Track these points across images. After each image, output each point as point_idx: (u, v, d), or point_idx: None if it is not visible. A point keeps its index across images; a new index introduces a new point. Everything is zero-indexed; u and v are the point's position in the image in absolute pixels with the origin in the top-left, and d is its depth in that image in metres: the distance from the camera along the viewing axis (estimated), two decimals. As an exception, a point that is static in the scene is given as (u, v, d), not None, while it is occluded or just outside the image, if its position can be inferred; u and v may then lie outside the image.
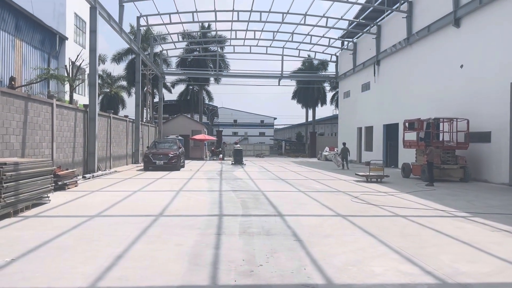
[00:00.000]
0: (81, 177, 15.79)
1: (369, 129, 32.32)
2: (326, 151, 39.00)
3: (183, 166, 24.53)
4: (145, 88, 38.62)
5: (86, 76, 28.11)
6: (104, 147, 20.16)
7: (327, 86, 55.61)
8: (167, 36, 38.52)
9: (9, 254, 5.47)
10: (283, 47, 38.54)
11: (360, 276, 4.82)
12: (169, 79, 48.29)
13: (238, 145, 34.53)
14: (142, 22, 30.30)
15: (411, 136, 20.21)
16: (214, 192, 12.83)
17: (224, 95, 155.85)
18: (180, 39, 39.03)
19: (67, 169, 13.96)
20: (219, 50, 45.75)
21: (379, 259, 5.55)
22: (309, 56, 44.93)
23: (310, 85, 54.14)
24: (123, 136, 24.14)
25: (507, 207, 10.56)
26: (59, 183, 12.01)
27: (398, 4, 26.37)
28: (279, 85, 43.01)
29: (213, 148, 41.45)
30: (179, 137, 32.57)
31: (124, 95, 47.82)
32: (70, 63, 21.98)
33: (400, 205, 10.50)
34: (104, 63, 43.92)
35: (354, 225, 7.84)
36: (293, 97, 59.11)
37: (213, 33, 42.41)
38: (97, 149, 17.83)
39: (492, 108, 17.36)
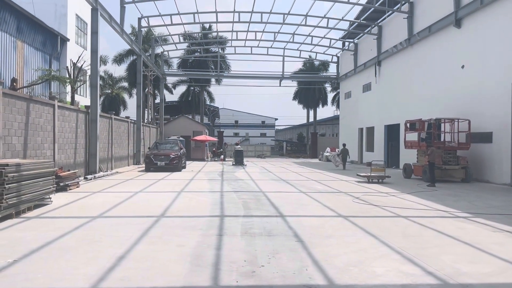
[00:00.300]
0: (82, 178, 15.82)
1: (370, 130, 32.31)
2: (327, 152, 38.97)
3: (184, 167, 24.55)
4: (147, 89, 38.68)
5: (87, 77, 28.13)
6: (105, 148, 20.20)
7: (328, 87, 55.66)
8: (168, 37, 38.62)
9: (12, 255, 5.49)
10: (284, 48, 38.55)
11: (361, 277, 4.82)
12: (170, 80, 48.40)
13: (239, 146, 34.55)
14: (143, 23, 30.37)
15: (413, 136, 20.20)
16: (215, 193, 12.84)
17: (225, 96, 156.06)
18: (181, 40, 39.08)
19: (68, 170, 13.98)
20: (220, 51, 45.82)
21: (380, 259, 5.55)
22: (310, 56, 44.97)
23: (311, 85, 54.17)
24: (124, 137, 24.17)
25: (508, 207, 10.54)
26: (61, 184, 12.03)
27: (399, 5, 26.36)
28: (280, 85, 43.10)
29: (214, 149, 41.47)
30: (181, 138, 32.63)
31: (126, 96, 47.90)
32: (72, 65, 22.06)
33: (401, 205, 10.49)
34: (105, 64, 44.00)
35: (356, 225, 7.84)
36: (294, 98, 59.15)
37: (214, 34, 42.47)
38: (98, 150, 17.86)
39: (493, 108, 17.34)
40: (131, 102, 49.44)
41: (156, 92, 45.03)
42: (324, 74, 52.18)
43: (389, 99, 28.49)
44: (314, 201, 11.17)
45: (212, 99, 56.26)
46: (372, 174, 16.93)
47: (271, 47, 38.07)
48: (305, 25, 31.08)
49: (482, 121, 17.99)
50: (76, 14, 29.48)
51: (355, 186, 15.30)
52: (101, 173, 17.87)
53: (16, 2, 20.84)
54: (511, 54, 16.41)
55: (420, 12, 24.23)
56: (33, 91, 21.08)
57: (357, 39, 35.58)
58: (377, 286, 4.55)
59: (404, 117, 23.08)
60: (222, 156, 37.45)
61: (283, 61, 40.27)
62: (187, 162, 28.55)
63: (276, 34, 34.41)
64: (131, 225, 7.57)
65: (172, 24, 30.94)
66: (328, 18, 29.91)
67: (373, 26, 31.05)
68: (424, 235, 7.19)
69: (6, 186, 7.69)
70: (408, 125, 20.04)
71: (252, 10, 28.46)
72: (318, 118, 61.61)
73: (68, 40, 27.34)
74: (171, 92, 52.81)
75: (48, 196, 9.87)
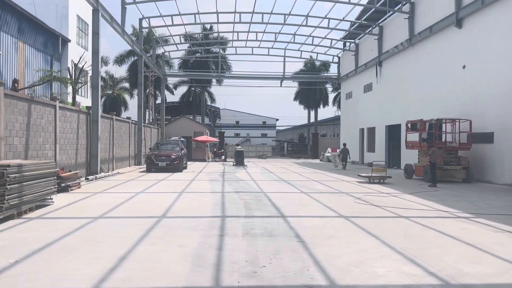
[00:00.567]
0: (84, 178, 15.83)
1: (372, 130, 32.29)
2: (329, 152, 38.97)
3: (185, 168, 24.56)
4: (148, 90, 38.72)
5: (88, 78, 28.18)
6: (106, 149, 20.22)
7: (329, 87, 55.64)
8: (169, 37, 38.69)
9: (13, 255, 5.50)
10: (285, 49, 38.55)
11: (363, 277, 4.82)
12: (171, 80, 48.43)
13: (240, 147, 34.58)
14: (144, 24, 30.39)
15: (414, 137, 20.18)
16: (216, 193, 12.84)
17: (226, 96, 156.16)
18: (182, 41, 39.12)
19: (70, 171, 14.00)
20: (221, 52, 45.85)
21: (382, 260, 5.55)
22: (311, 57, 44.96)
23: (312, 86, 54.18)
24: (125, 137, 24.19)
25: (510, 208, 10.52)
26: (62, 185, 12.04)
27: (400, 5, 26.33)
28: (281, 86, 43.04)
29: (215, 150, 41.48)
30: (182, 139, 32.62)
31: (127, 96, 47.94)
32: (73, 65, 22.05)
33: (402, 206, 10.49)
34: (106, 65, 44.04)
35: (357, 226, 7.84)
36: (295, 98, 59.19)
37: (215, 34, 42.50)
38: (99, 151, 17.87)
39: (494, 108, 17.32)
40: (132, 103, 49.66)
41: (157, 92, 45.08)
42: (325, 74, 52.18)
43: (390, 99, 28.47)
44: (315, 202, 11.16)
45: (213, 99, 56.34)
46: (373, 175, 16.92)
47: (272, 48, 38.09)
48: (306, 25, 31.09)
49: (483, 121, 17.97)
50: (77, 15, 29.53)
51: (356, 187, 15.29)
52: (102, 174, 17.89)
53: (18, 3, 20.88)
54: (512, 54, 16.40)
55: (421, 12, 24.22)
56: (35, 92, 21.11)
57: (358, 39, 35.56)
58: (378, 287, 4.55)
59: (405, 118, 23.08)
60: (223, 157, 37.48)
61: (284, 61, 40.29)
62: (188, 163, 28.56)
63: (277, 34, 34.42)
64: (132, 226, 7.58)
65: (173, 25, 30.96)
66: (329, 19, 29.92)
67: (374, 26, 31.04)
68: (426, 235, 7.18)
69: (8, 187, 7.70)
70: (409, 125, 20.04)
71: (253, 11, 28.48)
72: (319, 118, 61.62)
73: (69, 41, 27.39)
74: (172, 93, 52.92)
75: (49, 197, 9.88)
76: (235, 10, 28.50)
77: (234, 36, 34.93)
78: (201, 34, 43.41)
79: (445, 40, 21.37)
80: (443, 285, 4.63)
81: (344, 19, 29.91)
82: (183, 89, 54.28)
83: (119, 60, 45.04)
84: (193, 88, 53.31)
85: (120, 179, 17.32)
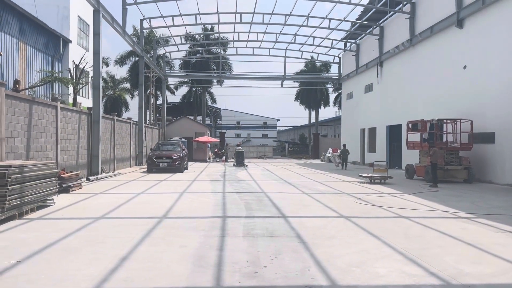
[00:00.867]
0: (85, 179, 15.85)
1: (373, 130, 32.28)
2: (329, 153, 38.97)
3: (186, 168, 24.57)
4: (148, 91, 38.73)
5: (89, 78, 28.22)
6: (107, 150, 20.24)
7: (330, 88, 55.63)
8: (170, 38, 38.70)
9: (15, 256, 5.51)
10: (285, 49, 38.57)
11: (364, 277, 4.82)
12: (172, 81, 48.45)
13: (240, 147, 34.61)
14: (145, 24, 30.43)
15: (415, 137, 20.17)
16: (217, 194, 12.84)
17: (227, 97, 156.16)
18: (183, 42, 39.15)
19: (71, 172, 14.02)
20: (222, 52, 45.85)
21: (383, 260, 5.55)
22: (311, 57, 44.95)
23: (313, 86, 54.17)
24: (126, 138, 24.22)
25: (511, 208, 10.51)
26: (64, 185, 12.06)
27: (400, 5, 26.33)
28: (282, 86, 43.03)
29: (216, 150, 41.51)
30: (182, 139, 32.66)
31: (128, 97, 47.98)
32: (74, 66, 22.09)
33: (403, 206, 10.48)
34: (107, 66, 44.11)
35: (358, 226, 7.84)
36: (296, 99, 59.15)
37: (216, 35, 42.48)
38: (101, 152, 17.89)
39: (496, 109, 17.31)
40: (133, 103, 49.69)
41: (158, 93, 45.09)
42: (326, 74, 52.18)
43: (391, 99, 28.46)
44: (316, 202, 11.17)
45: (214, 100, 56.32)
46: (374, 175, 16.91)
47: (272, 48, 38.10)
48: (307, 26, 31.11)
49: (484, 122, 17.95)
50: (78, 16, 29.59)
51: (357, 187, 15.29)
52: (103, 174, 17.91)
53: (19, 4, 20.93)
54: (513, 54, 16.38)
55: (422, 13, 24.21)
56: (36, 93, 21.14)
57: (359, 39, 35.56)
58: (379, 287, 4.56)
59: (406, 118, 23.06)
60: (224, 157, 37.52)
61: (285, 62, 40.32)
62: (189, 163, 28.58)
63: (277, 35, 34.43)
64: (133, 226, 7.59)
65: (174, 25, 30.97)
66: (330, 19, 29.94)
67: (375, 26, 31.04)
68: (427, 235, 7.18)
69: (9, 187, 7.72)
70: (410, 125, 20.02)
71: (254, 11, 28.50)
72: (320, 118, 61.60)
73: (70, 41, 27.44)
74: (173, 93, 52.92)
75: (51, 198, 9.90)
76: (236, 11, 28.55)
77: (235, 36, 34.97)
78: (202, 35, 43.42)
79: (446, 40, 21.36)
80: (444, 285, 4.63)
81: (345, 19, 29.93)
82: (184, 90, 54.35)
83: (120, 61, 45.07)
84: (194, 89, 53.32)
85: (121, 179, 17.34)
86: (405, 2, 25.64)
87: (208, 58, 46.99)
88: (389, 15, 29.54)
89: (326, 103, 58.43)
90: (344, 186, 15.71)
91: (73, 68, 21.88)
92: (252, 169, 25.83)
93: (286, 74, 41.49)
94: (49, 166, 9.85)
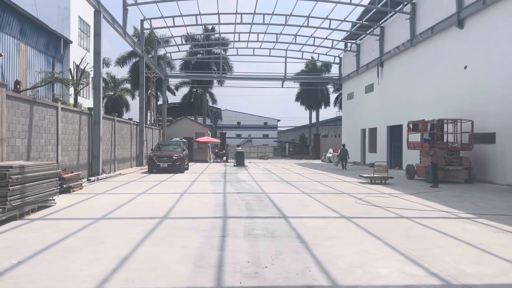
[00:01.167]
0: (86, 179, 15.86)
1: (373, 131, 32.27)
2: (330, 153, 38.97)
3: (187, 169, 24.59)
4: (149, 91, 38.77)
5: (90, 79, 28.25)
6: (108, 150, 20.26)
7: (330, 88, 55.61)
8: (171, 38, 38.72)
9: (16, 256, 5.52)
10: (286, 49, 38.58)
11: (365, 278, 4.82)
12: (172, 81, 48.49)
13: (240, 148, 34.65)
14: (146, 25, 30.45)
15: (415, 137, 20.17)
16: (218, 194, 12.85)
17: (228, 97, 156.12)
18: (184, 42, 39.18)
19: (72, 172, 14.03)
20: (223, 53, 45.87)
21: (383, 260, 5.55)
22: (312, 58, 44.95)
23: (314, 86, 54.17)
24: (127, 138, 24.24)
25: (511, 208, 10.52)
26: (64, 186, 12.07)
27: (401, 6, 26.33)
28: (282, 87, 43.04)
29: (217, 151, 41.54)
30: (183, 140, 32.66)
31: (128, 98, 48.00)
32: (75, 67, 22.12)
33: (404, 206, 10.48)
34: (108, 66, 44.14)
35: (359, 226, 7.84)
36: (296, 99, 59.17)
37: (217, 35, 42.51)
38: (101, 152, 17.91)
39: (496, 109, 17.30)
40: (134, 104, 49.62)
41: (158, 93, 45.13)
42: (327, 75, 52.17)
43: (392, 100, 28.46)
44: (316, 202, 11.17)
45: (214, 100, 56.33)
46: (374, 175, 16.90)
47: (273, 49, 38.11)
48: (307, 26, 31.10)
49: (485, 122, 17.94)
50: (79, 17, 29.62)
51: (357, 187, 15.29)
52: (104, 175, 17.92)
53: (20, 5, 20.95)
54: (514, 54, 16.38)
55: (422, 13, 24.21)
56: (36, 93, 21.15)
57: (359, 40, 35.55)
58: (380, 287, 4.56)
59: (407, 118, 23.05)
60: (224, 158, 37.54)
61: (285, 62, 40.35)
62: (190, 164, 28.59)
63: (278, 35, 34.43)
64: (134, 227, 7.59)
65: (174, 26, 30.99)
66: (330, 19, 29.94)
67: (375, 27, 31.04)
68: (427, 236, 7.18)
69: (10, 188, 7.73)
70: (411, 126, 20.02)
71: (254, 12, 28.51)
72: (320, 119, 61.59)
73: (71, 42, 27.46)
74: (174, 94, 52.94)
75: (51, 198, 9.91)
76: (237, 11, 28.55)
77: (236, 37, 34.98)
78: (202, 35, 43.44)
79: (447, 40, 21.35)
80: (444, 286, 4.63)
81: (346, 19, 29.94)
82: (184, 90, 54.37)
83: (121, 61, 45.11)
84: (194, 89, 53.34)
85: (122, 180, 17.35)
86: (405, 3, 25.64)
87: (208, 58, 47.01)
88: (389, 15, 29.53)
89: (327, 104, 58.46)
90: (344, 186, 15.71)
91: (73, 69, 21.90)
92: (252, 170, 25.84)
93: (287, 74, 41.53)
94: (50, 167, 9.86)
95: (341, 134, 44.31)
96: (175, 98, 56.16)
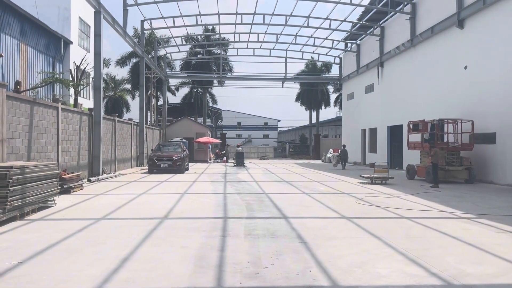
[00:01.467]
0: (86, 180, 15.87)
1: (373, 131, 32.26)
2: (330, 153, 38.95)
3: (187, 169, 24.59)
4: (149, 91, 38.78)
5: (90, 79, 28.27)
6: (108, 150, 20.26)
7: (330, 88, 55.65)
8: (171, 39, 38.72)
9: (16, 257, 5.52)
10: (286, 50, 38.58)
11: (365, 278, 4.83)
12: (173, 82, 48.50)
13: (240, 148, 34.66)
14: (146, 25, 30.45)
15: (416, 137, 20.16)
16: (218, 194, 12.85)
17: (228, 97, 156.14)
18: (184, 42, 39.17)
19: (72, 173, 14.03)
20: (223, 53, 45.86)
21: (384, 260, 5.55)
22: (312, 58, 44.94)
23: (314, 87, 54.18)
24: (127, 139, 24.24)
25: (512, 208, 10.51)
26: (65, 186, 12.08)
27: (401, 6, 26.33)
28: (282, 87, 43.03)
29: (217, 151, 41.55)
30: (183, 140, 32.65)
31: (128, 98, 48.02)
32: (75, 67, 22.15)
33: (405, 206, 10.48)
34: (108, 67, 44.16)
35: (359, 227, 7.84)
36: (296, 99, 59.18)
37: (217, 36, 42.52)
38: (102, 152, 17.91)
39: (496, 109, 17.30)
40: (134, 104, 49.60)
41: (159, 94, 45.14)
42: (327, 75, 52.18)
43: (392, 100, 28.45)
44: (317, 203, 11.17)
45: (214, 100, 56.34)
46: (375, 175, 16.90)
47: (273, 49, 38.09)
48: (308, 26, 31.10)
49: (485, 122, 17.94)
50: (79, 17, 29.63)
51: (358, 188, 15.29)
52: (105, 175, 17.92)
53: (20, 6, 20.96)
54: (514, 54, 16.37)
55: (422, 13, 24.21)
56: (37, 94, 21.17)
57: (360, 40, 35.55)
58: (381, 287, 4.56)
59: (407, 118, 23.05)
60: (225, 158, 37.55)
61: (286, 62, 40.33)
62: (190, 164, 28.60)
63: (278, 35, 34.44)
64: (135, 227, 7.60)
65: (174, 26, 30.99)
66: (331, 20, 29.94)
67: (375, 27, 31.04)
68: (428, 236, 7.18)
69: (11, 188, 7.73)
70: (411, 126, 20.01)
71: (255, 12, 28.52)
72: (320, 119, 61.60)
73: (71, 42, 27.47)
74: (174, 94, 52.95)
75: (52, 198, 9.91)
76: (237, 12, 28.56)
77: (236, 37, 34.99)
78: (202, 36, 43.45)
79: (447, 40, 21.35)
80: (445, 286, 4.63)
81: (346, 20, 29.92)
82: (184, 91, 54.38)
83: (121, 62, 45.12)
84: (194, 90, 53.35)
85: (122, 180, 17.35)
86: (405, 3, 25.64)
87: (208, 59, 47.01)
88: (389, 15, 29.53)
89: (327, 104, 58.47)
90: (345, 186, 15.71)
91: (74, 69, 21.92)
92: (252, 170, 25.84)
93: (287, 74, 41.51)
94: (50, 167, 9.86)
95: (341, 134, 44.30)
96: (175, 99, 56.25)
